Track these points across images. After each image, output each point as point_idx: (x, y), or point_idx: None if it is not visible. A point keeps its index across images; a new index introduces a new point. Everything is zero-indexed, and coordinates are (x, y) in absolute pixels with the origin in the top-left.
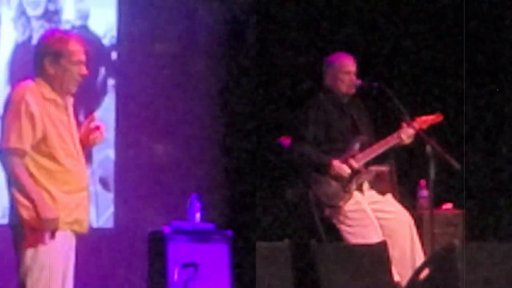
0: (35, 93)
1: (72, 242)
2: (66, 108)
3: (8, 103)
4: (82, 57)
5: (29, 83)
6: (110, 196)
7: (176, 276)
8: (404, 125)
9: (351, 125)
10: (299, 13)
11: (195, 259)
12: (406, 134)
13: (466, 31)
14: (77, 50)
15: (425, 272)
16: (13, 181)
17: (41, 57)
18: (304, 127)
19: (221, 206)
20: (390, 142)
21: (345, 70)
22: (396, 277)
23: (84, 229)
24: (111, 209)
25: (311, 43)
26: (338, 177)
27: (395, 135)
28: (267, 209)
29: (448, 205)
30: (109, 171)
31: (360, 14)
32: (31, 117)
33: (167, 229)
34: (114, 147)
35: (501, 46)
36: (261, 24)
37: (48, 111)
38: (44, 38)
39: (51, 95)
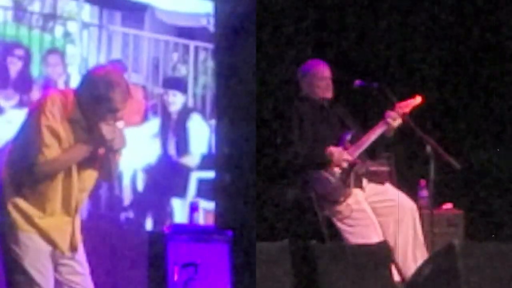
0: (60, 108)
1: (49, 248)
2: (89, 131)
3: (33, 109)
4: (122, 106)
5: (57, 96)
6: None
7: (176, 276)
8: (387, 111)
9: (338, 122)
10: (299, 11)
11: (195, 259)
12: (392, 117)
13: (465, 31)
14: (118, 100)
15: (425, 272)
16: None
17: (85, 86)
18: (290, 133)
19: (221, 206)
20: (377, 130)
21: (320, 76)
22: (396, 277)
23: (64, 251)
24: None
25: (311, 42)
26: (338, 164)
27: (381, 122)
28: (267, 209)
29: (448, 205)
30: None
31: (360, 14)
32: (53, 133)
33: (167, 229)
34: None
35: (502, 46)
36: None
37: (66, 130)
38: (97, 70)
39: (77, 115)
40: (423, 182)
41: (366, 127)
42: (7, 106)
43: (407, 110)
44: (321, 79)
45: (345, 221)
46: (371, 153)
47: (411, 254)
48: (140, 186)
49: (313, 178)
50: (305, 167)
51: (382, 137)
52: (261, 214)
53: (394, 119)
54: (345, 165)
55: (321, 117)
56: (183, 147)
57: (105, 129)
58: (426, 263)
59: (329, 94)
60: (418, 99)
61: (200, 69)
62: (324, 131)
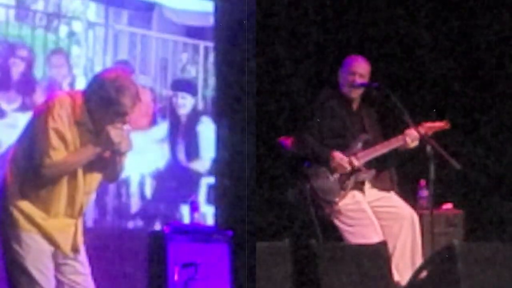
0: (68, 111)
1: (50, 248)
2: (96, 134)
3: (41, 110)
4: (131, 110)
5: (65, 99)
6: None
7: (176, 276)
8: (410, 129)
9: (358, 123)
10: (300, 11)
11: (195, 259)
12: (411, 138)
13: (470, 37)
14: (128, 104)
15: (425, 272)
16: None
17: (94, 89)
18: (309, 119)
19: (221, 206)
20: (393, 144)
21: (351, 71)
22: (396, 277)
23: (66, 252)
24: None
25: (312, 43)
26: (337, 169)
27: (400, 137)
28: (267, 209)
29: (448, 205)
30: None
31: (363, 15)
32: (60, 136)
33: (167, 229)
34: None
35: (502, 49)
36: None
37: (73, 133)
38: (107, 74)
39: (84, 118)
40: (423, 182)
41: (385, 137)
42: (9, 109)
43: (430, 132)
44: (350, 73)
45: (345, 221)
46: (381, 163)
47: (409, 261)
48: (148, 192)
49: (313, 171)
50: (309, 160)
51: (395, 150)
52: (261, 214)
53: (413, 140)
54: (345, 167)
55: (343, 112)
56: (192, 151)
57: (113, 133)
58: (425, 263)
59: (352, 90)
60: (446, 125)
61: (210, 70)
62: (340, 128)
